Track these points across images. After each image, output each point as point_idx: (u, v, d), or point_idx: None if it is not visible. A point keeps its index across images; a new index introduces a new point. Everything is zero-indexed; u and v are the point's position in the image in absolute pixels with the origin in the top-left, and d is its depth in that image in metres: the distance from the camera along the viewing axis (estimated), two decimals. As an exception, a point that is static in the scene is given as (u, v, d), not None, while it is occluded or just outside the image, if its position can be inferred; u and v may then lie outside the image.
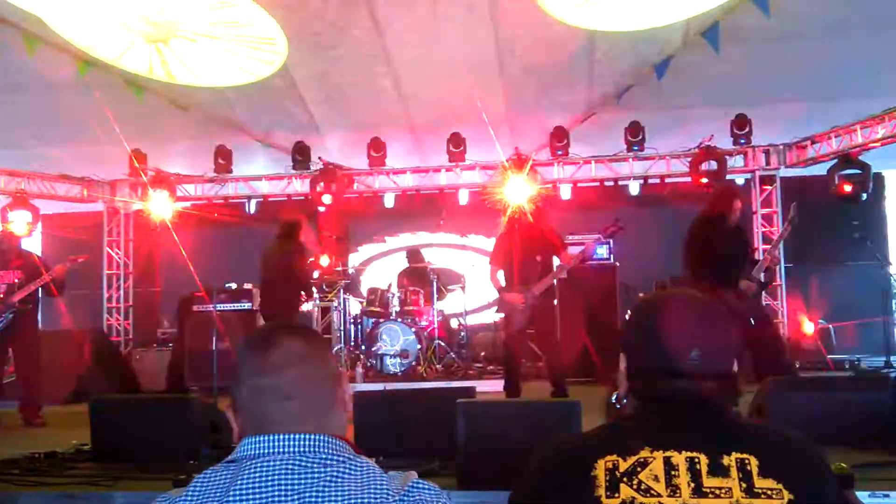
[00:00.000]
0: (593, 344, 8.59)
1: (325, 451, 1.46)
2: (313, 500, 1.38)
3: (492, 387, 7.89)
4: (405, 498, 1.41)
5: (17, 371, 7.51)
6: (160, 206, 11.11)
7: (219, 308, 9.08)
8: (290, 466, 1.42)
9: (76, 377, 8.91)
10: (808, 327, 10.26)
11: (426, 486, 1.45)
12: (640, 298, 1.75)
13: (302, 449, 1.45)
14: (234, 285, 9.94)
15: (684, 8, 7.81)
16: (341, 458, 1.45)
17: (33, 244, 11.73)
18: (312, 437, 1.46)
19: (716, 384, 1.57)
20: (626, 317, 1.75)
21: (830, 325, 10.18)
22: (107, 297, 11.83)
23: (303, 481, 1.40)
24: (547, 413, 3.90)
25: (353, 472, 1.43)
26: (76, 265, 7.77)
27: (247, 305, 9.74)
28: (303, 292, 8.05)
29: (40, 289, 7.47)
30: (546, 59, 8.97)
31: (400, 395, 5.06)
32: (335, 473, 1.42)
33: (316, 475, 1.41)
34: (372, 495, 1.39)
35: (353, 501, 1.38)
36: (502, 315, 7.32)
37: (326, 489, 1.39)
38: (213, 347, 7.70)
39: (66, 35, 7.81)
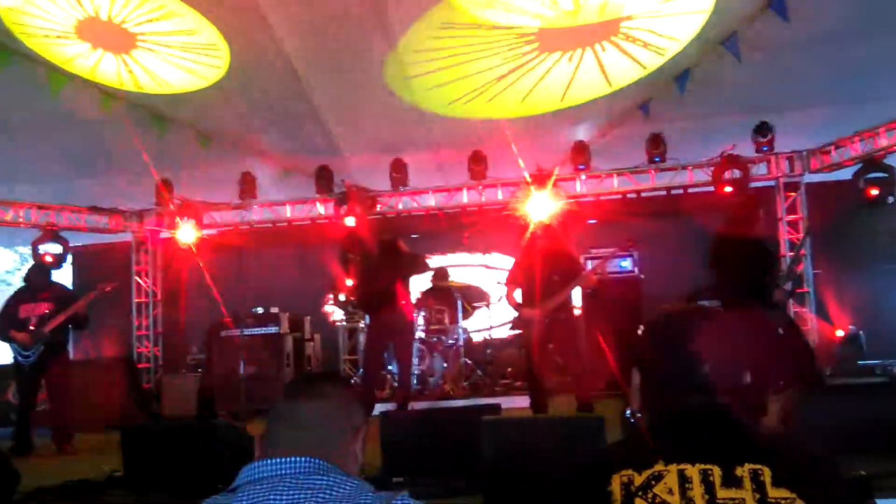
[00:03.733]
0: (618, 357, 8.53)
1: (317, 473, 1.51)
2: None
3: (519, 403, 7.87)
4: None
5: (49, 400, 7.62)
6: (187, 234, 11.27)
7: (246, 333, 9.15)
8: (280, 489, 1.47)
9: (106, 405, 9.02)
10: (838, 333, 10.13)
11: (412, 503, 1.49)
12: (652, 316, 1.76)
13: (294, 472, 1.50)
14: (261, 310, 10.03)
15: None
16: (330, 479, 1.50)
17: (64, 276, 11.92)
18: (306, 459, 1.52)
19: (729, 398, 1.58)
20: (638, 333, 1.77)
21: (861, 331, 10.04)
22: (136, 325, 11.97)
23: (288, 502, 1.45)
24: (571, 429, 3.88)
25: (339, 492, 1.47)
26: (104, 294, 7.89)
27: (273, 329, 9.82)
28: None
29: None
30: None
31: (426, 413, 5.07)
32: (321, 493, 1.46)
33: (302, 496, 1.46)
34: None
35: None
36: (520, 332, 7.30)
37: None
38: (242, 372, 7.76)
39: (43, 49, 8.01)
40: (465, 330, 10.41)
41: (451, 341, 10.11)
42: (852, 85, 9.31)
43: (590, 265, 7.47)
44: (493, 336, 11.11)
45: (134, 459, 4.89)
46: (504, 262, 11.83)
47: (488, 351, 10.76)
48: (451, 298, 10.37)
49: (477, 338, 11.17)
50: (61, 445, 7.28)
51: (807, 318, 10.09)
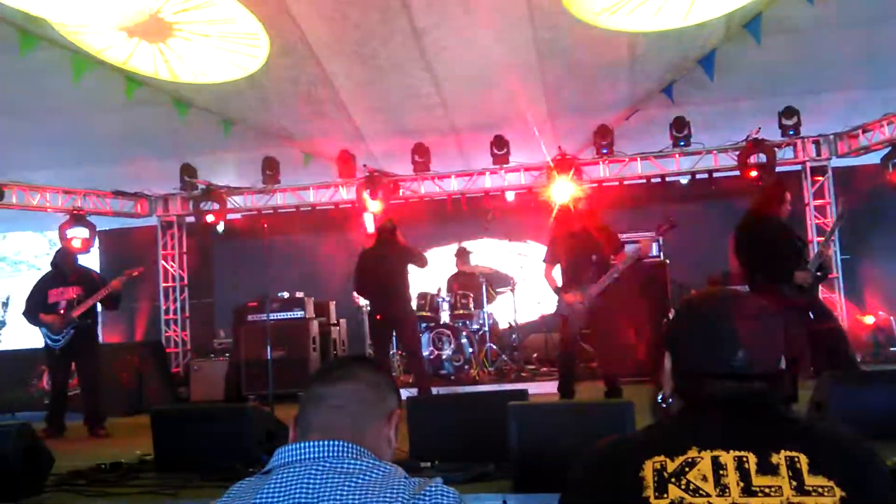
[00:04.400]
0: (645, 342, 8.53)
1: (349, 457, 1.51)
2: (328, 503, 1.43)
3: (545, 388, 7.89)
4: (419, 501, 1.44)
5: (80, 384, 7.73)
6: (212, 219, 11.34)
7: (272, 318, 9.21)
8: (312, 472, 1.48)
9: (136, 389, 9.13)
10: (868, 319, 10.03)
11: (444, 490, 1.48)
12: (684, 298, 1.74)
13: (326, 455, 1.51)
14: (286, 294, 10.09)
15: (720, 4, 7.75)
16: (362, 464, 1.50)
17: (91, 260, 12.06)
18: (338, 443, 1.52)
19: (763, 384, 1.57)
20: (670, 316, 1.75)
21: (891, 317, 9.94)
22: (163, 309, 12.08)
23: (321, 486, 1.46)
24: (600, 414, 3.89)
25: (371, 476, 1.48)
26: (132, 278, 7.98)
27: (299, 314, 9.88)
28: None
29: (98, 303, 7.69)
30: (586, 57, 8.92)
31: (453, 399, 5.09)
32: (354, 478, 1.47)
33: (335, 479, 1.46)
34: (385, 498, 1.43)
35: (366, 503, 1.43)
36: (560, 315, 7.27)
37: (342, 493, 1.44)
38: (269, 356, 7.80)
39: (75, 39, 8.03)
40: (490, 315, 10.41)
41: (476, 326, 10.12)
42: (879, 68, 9.18)
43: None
44: (519, 321, 11.10)
45: (164, 442, 4.95)
46: (529, 249, 11.80)
47: (514, 336, 10.77)
48: (475, 283, 10.37)
49: (502, 323, 11.16)
50: (93, 429, 7.39)
51: (836, 304, 10.00)
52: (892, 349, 9.46)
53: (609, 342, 7.32)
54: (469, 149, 11.24)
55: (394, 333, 8.58)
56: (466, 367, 9.62)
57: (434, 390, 7.65)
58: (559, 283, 7.25)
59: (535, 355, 10.91)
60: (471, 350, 9.66)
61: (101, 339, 8.62)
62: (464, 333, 9.71)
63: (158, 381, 9.59)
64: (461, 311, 10.07)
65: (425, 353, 9.55)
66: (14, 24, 7.71)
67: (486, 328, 10.21)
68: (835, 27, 8.22)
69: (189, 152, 11.13)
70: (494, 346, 10.27)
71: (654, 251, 9.46)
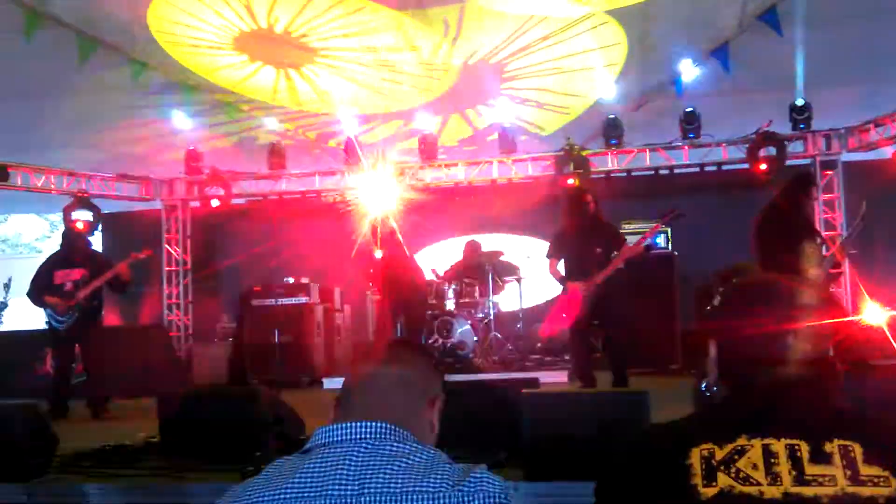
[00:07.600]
0: (651, 334, 8.48)
1: (392, 439, 1.48)
2: (372, 486, 1.39)
3: (551, 378, 7.85)
4: (464, 487, 1.39)
5: (84, 366, 7.68)
6: (216, 203, 11.28)
7: (277, 302, 9.17)
8: (355, 452, 1.44)
9: (140, 372, 9.08)
10: (875, 315, 9.95)
11: (490, 478, 1.44)
12: (732, 285, 1.71)
13: (368, 436, 1.47)
14: (291, 280, 10.04)
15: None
16: (406, 447, 1.47)
17: (94, 243, 12.00)
18: (381, 424, 1.49)
19: (813, 370, 1.53)
20: (716, 304, 1.71)
21: (896, 312, 9.87)
22: (167, 293, 12.02)
23: (364, 467, 1.42)
24: (615, 404, 3.85)
25: (415, 460, 1.44)
26: (139, 261, 7.92)
27: (304, 300, 9.82)
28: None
29: (105, 285, 7.64)
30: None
31: (463, 386, 5.03)
32: (397, 461, 1.43)
33: (378, 462, 1.43)
34: (431, 483, 1.39)
35: (411, 487, 1.39)
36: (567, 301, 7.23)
37: (386, 475, 1.41)
38: (276, 341, 7.76)
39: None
40: (495, 304, 10.35)
41: (481, 315, 10.05)
42: (891, 62, 9.11)
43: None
44: (524, 310, 11.02)
45: (170, 425, 4.90)
46: (536, 239, 11.71)
47: (518, 325, 10.70)
48: (481, 272, 10.29)
49: (507, 311, 11.08)
50: (95, 411, 7.35)
51: (843, 299, 9.94)
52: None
53: (616, 331, 7.27)
54: (476, 137, 11.19)
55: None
56: (470, 355, 9.55)
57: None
58: (563, 274, 7.21)
59: (538, 344, 10.85)
60: (475, 338, 9.59)
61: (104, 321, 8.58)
62: (468, 321, 9.64)
63: (163, 364, 9.53)
64: (466, 300, 10.01)
65: (430, 341, 9.51)
66: (21, 4, 7.62)
67: (492, 316, 10.15)
68: (848, 19, 8.14)
69: (194, 136, 11.05)
70: (499, 335, 10.21)
71: (663, 243, 9.41)
